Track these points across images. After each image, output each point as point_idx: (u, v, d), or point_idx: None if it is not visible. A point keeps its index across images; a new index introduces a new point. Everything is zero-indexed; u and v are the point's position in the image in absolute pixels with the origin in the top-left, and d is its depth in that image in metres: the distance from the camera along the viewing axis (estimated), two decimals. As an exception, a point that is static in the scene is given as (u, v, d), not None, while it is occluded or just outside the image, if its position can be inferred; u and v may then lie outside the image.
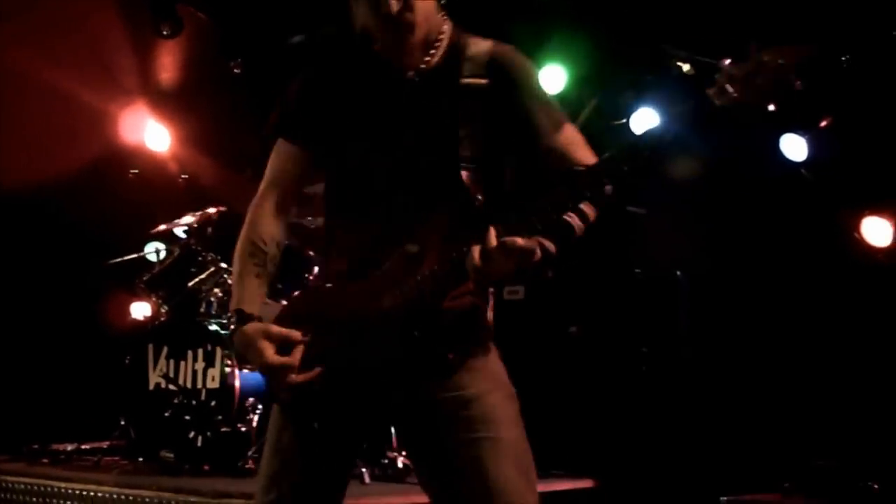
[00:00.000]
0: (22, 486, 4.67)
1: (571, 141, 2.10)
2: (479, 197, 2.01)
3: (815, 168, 5.23)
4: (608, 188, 1.91)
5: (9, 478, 4.78)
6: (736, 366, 5.16)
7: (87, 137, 6.37)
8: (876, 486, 4.11)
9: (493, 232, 1.85)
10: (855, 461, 4.37)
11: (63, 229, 6.40)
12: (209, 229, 5.40)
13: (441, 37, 2.09)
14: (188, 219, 5.49)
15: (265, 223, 2.16)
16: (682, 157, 5.69)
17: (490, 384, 2.05)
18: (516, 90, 2.08)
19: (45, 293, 6.38)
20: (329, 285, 2.14)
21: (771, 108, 1.85)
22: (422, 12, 2.03)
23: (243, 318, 2.06)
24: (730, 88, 1.79)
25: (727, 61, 1.82)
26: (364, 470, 4.36)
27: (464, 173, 2.01)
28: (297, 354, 2.00)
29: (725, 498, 4.36)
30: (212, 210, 5.50)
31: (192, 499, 3.99)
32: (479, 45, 2.12)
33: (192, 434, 4.72)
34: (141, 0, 6.01)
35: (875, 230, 5.08)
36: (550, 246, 1.92)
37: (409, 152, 2.06)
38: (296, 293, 2.31)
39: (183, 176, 6.19)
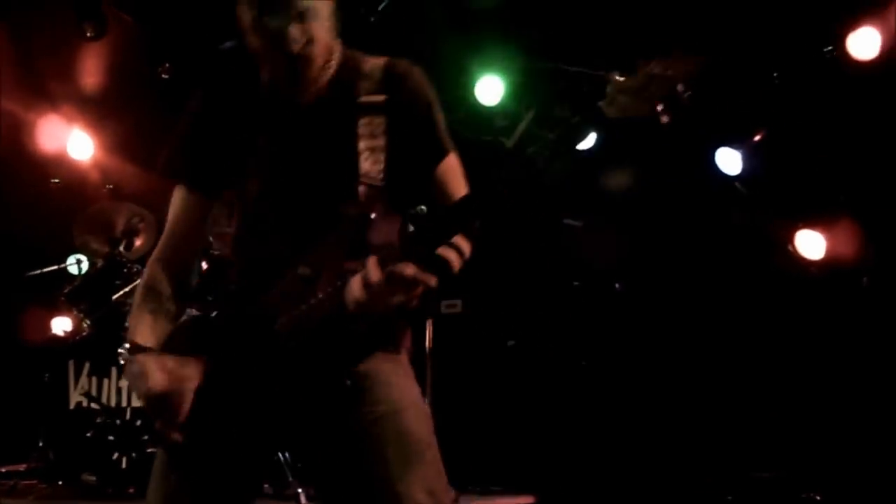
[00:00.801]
0: (-69, 514, 4.43)
1: (448, 170, 2.05)
2: (373, 216, 1.89)
3: (749, 181, 5.31)
4: (476, 224, 1.79)
5: (-83, 505, 4.53)
6: (675, 378, 5.18)
7: (5, 145, 6.13)
8: (818, 497, 4.15)
9: (372, 262, 1.74)
10: (797, 472, 4.41)
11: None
12: (135, 240, 5.21)
13: (332, 59, 2.04)
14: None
15: (164, 277, 2.10)
16: (617, 170, 5.74)
17: (404, 401, 1.97)
18: (413, 106, 2.03)
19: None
20: (216, 313, 2.06)
21: (664, 119, 1.90)
22: (322, 43, 1.97)
23: (135, 348, 2.01)
24: (621, 100, 1.78)
25: (617, 75, 1.83)
26: (300, 490, 4.25)
27: (361, 189, 1.94)
28: (189, 386, 1.92)
29: (668, 512, 4.36)
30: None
31: (116, 524, 3.84)
32: (374, 62, 2.07)
33: (115, 455, 4.57)
34: (64, 1, 5.79)
35: (808, 243, 5.17)
36: (432, 280, 1.78)
37: (308, 176, 2.01)
38: (181, 320, 2.17)
39: (108, 186, 5.99)
